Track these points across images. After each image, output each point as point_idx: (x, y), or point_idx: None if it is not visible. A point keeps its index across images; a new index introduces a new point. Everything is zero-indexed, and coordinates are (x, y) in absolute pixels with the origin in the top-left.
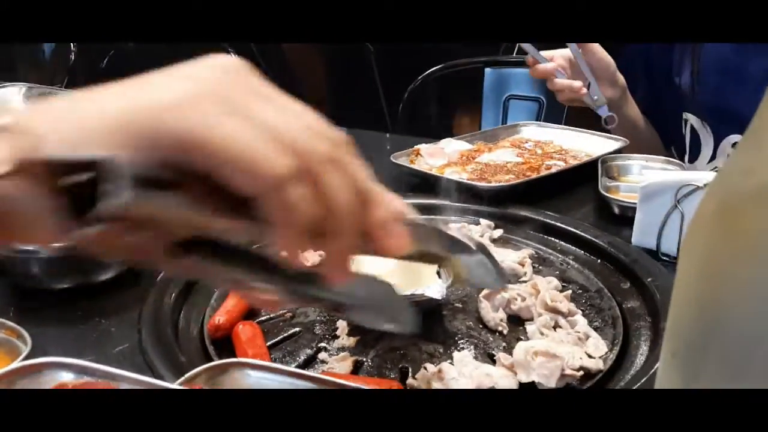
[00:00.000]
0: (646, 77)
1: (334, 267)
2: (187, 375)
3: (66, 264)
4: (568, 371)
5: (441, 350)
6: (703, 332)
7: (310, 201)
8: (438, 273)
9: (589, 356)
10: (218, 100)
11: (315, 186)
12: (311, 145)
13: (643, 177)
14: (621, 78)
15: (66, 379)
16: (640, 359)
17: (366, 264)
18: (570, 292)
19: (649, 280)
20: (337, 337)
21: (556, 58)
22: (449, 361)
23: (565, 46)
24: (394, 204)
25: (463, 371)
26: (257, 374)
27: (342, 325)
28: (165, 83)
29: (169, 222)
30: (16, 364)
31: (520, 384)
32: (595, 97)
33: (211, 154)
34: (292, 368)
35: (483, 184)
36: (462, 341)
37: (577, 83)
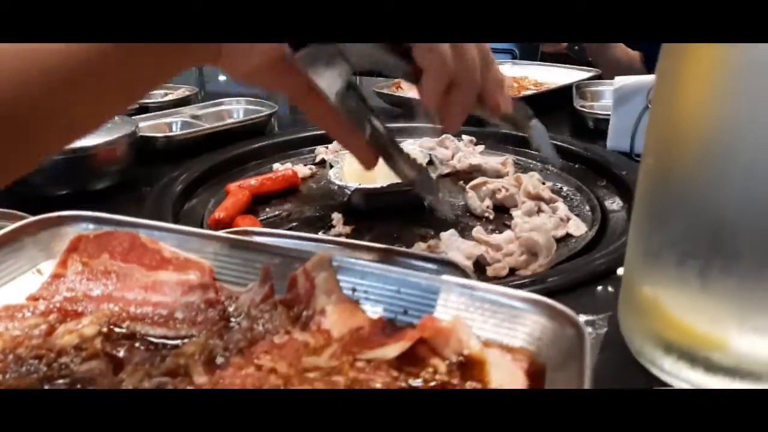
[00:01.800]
0: None
1: (451, 118)
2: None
3: (64, 172)
4: (552, 233)
5: (432, 233)
6: (664, 147)
7: (451, 58)
8: (428, 164)
9: (570, 236)
10: None
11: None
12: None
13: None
14: None
15: (87, 230)
16: (616, 236)
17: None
18: (551, 184)
19: (623, 173)
20: (334, 226)
21: None
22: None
23: None
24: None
25: (451, 244)
26: (261, 239)
27: (337, 216)
28: None
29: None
30: (38, 216)
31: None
32: (576, 48)
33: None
34: (293, 232)
35: None
36: (451, 225)
37: None
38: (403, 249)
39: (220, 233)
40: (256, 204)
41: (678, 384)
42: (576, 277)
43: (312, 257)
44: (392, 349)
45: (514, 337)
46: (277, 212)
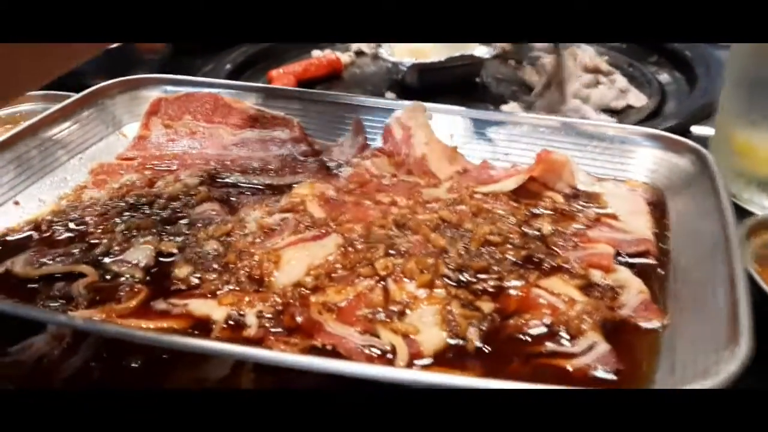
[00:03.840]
0: None
1: None
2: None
3: (105, 59)
4: (613, 103)
5: (491, 107)
6: None
7: None
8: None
9: (631, 107)
10: None
11: None
12: None
13: None
14: None
15: (166, 92)
16: (676, 106)
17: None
18: (606, 59)
19: (676, 45)
20: None
21: None
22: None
23: None
24: None
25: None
26: None
27: (391, 96)
28: None
29: None
30: (115, 79)
31: None
32: None
33: None
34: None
35: None
36: (509, 100)
37: None
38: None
39: (305, 90)
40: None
41: None
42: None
43: (406, 107)
44: (510, 182)
45: (626, 170)
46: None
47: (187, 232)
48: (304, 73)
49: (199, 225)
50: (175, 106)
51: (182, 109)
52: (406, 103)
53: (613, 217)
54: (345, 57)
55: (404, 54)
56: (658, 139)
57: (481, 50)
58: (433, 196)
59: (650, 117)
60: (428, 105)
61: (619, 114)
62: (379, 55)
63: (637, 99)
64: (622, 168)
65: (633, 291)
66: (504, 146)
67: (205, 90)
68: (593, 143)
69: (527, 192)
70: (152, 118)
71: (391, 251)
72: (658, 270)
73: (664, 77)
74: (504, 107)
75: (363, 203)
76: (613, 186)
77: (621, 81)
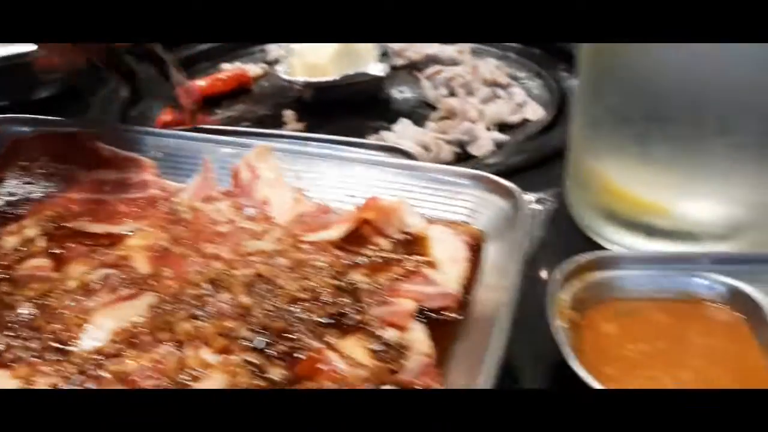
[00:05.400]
0: None
1: None
2: None
3: (5, 80)
4: (509, 118)
5: (386, 125)
6: None
7: None
8: (381, 55)
9: (527, 120)
10: None
11: None
12: None
13: None
14: None
15: (23, 133)
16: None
17: (308, 49)
18: (507, 69)
19: None
20: (286, 123)
21: None
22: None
23: None
24: None
25: (404, 134)
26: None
27: (289, 114)
28: None
29: None
30: None
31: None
32: None
33: None
34: (243, 128)
35: None
36: (405, 117)
37: None
38: (350, 138)
39: (162, 130)
40: (206, 106)
41: (619, 249)
42: (528, 158)
43: (254, 148)
44: (335, 230)
45: (456, 212)
46: (228, 114)
47: (5, 291)
48: (210, 89)
49: (22, 284)
50: (32, 146)
51: (39, 149)
52: (260, 142)
53: (432, 265)
54: (257, 69)
55: (303, 73)
56: (482, 180)
57: (376, 68)
58: (257, 248)
59: (544, 131)
60: (275, 145)
61: (514, 129)
62: (275, 73)
63: (534, 113)
64: (451, 210)
65: (416, 353)
66: (345, 186)
67: (65, 129)
68: (428, 184)
69: (359, 238)
70: (9, 160)
71: (200, 312)
72: (454, 327)
73: (568, 82)
74: (394, 126)
75: (189, 256)
76: (440, 230)
77: (519, 94)
